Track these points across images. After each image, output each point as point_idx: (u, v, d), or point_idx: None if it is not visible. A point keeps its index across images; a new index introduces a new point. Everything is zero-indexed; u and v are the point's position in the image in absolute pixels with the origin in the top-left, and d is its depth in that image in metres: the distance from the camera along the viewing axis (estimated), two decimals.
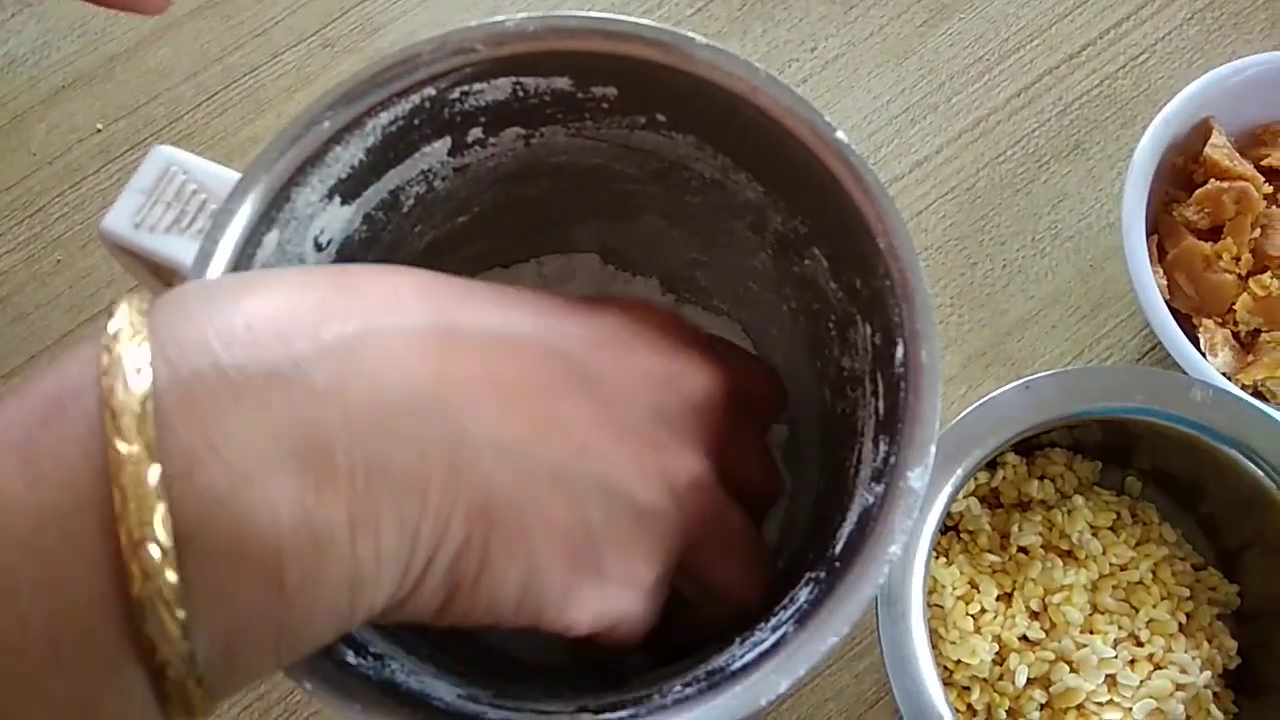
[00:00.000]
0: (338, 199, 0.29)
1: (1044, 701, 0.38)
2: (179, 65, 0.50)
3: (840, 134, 0.27)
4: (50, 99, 0.50)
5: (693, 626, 0.30)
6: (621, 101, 0.30)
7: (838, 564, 0.26)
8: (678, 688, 0.26)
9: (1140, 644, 0.38)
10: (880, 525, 0.25)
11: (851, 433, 0.30)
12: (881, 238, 0.26)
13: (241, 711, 0.42)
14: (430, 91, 0.28)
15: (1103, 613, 0.39)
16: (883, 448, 0.27)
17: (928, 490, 0.37)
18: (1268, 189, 0.44)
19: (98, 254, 0.47)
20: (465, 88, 0.28)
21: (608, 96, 0.30)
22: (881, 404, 0.27)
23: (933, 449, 0.25)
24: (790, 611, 0.26)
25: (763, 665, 0.24)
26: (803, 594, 0.27)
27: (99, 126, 0.49)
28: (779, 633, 0.25)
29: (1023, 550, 0.40)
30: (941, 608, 0.39)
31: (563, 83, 0.29)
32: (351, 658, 0.25)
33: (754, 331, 0.40)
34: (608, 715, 0.25)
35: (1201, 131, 0.45)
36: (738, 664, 0.25)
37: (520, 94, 0.29)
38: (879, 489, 0.26)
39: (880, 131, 0.49)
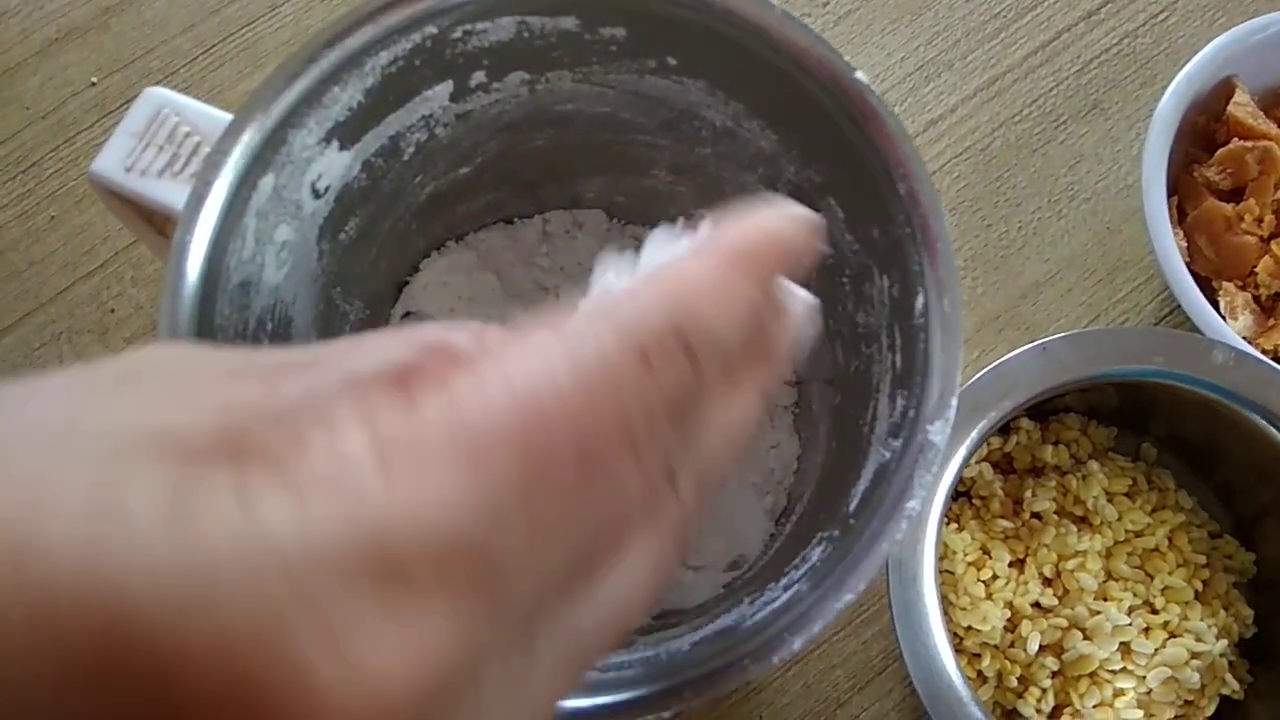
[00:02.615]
0: (336, 143, 0.28)
1: (1056, 669, 0.37)
2: (175, 17, 0.49)
3: (860, 74, 0.26)
4: (43, 51, 0.48)
5: None
6: (630, 43, 0.29)
7: (852, 521, 0.25)
8: (686, 648, 0.25)
9: (1155, 611, 0.38)
10: (898, 480, 0.24)
11: (865, 390, 0.29)
12: (902, 183, 0.25)
13: None
14: (431, 30, 0.27)
15: (1117, 580, 0.38)
16: (900, 403, 0.26)
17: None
18: None
19: (93, 210, 0.46)
20: (468, 26, 0.27)
21: (616, 38, 0.29)
22: (899, 358, 0.27)
23: (954, 402, 0.24)
24: (802, 570, 0.26)
25: (775, 624, 0.24)
26: (815, 553, 0.26)
27: (93, 80, 0.48)
28: (791, 591, 0.24)
29: (1036, 516, 0.39)
30: (953, 574, 0.38)
31: (569, 22, 0.28)
32: None
33: None
34: (613, 674, 0.24)
35: (1224, 90, 0.44)
36: (749, 623, 0.24)
37: (525, 34, 0.28)
38: (896, 444, 0.25)
39: (894, 90, 0.48)
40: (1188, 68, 0.43)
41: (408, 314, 0.37)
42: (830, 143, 0.27)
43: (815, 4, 0.49)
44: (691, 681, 0.23)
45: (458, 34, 0.28)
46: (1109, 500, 0.39)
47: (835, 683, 0.41)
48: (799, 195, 0.31)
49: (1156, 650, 0.37)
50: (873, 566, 0.23)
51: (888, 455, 0.25)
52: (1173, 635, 0.37)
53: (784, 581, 0.26)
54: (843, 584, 0.23)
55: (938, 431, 0.23)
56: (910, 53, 0.49)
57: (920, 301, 0.25)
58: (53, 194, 0.46)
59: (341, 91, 0.27)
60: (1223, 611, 0.38)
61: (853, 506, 0.26)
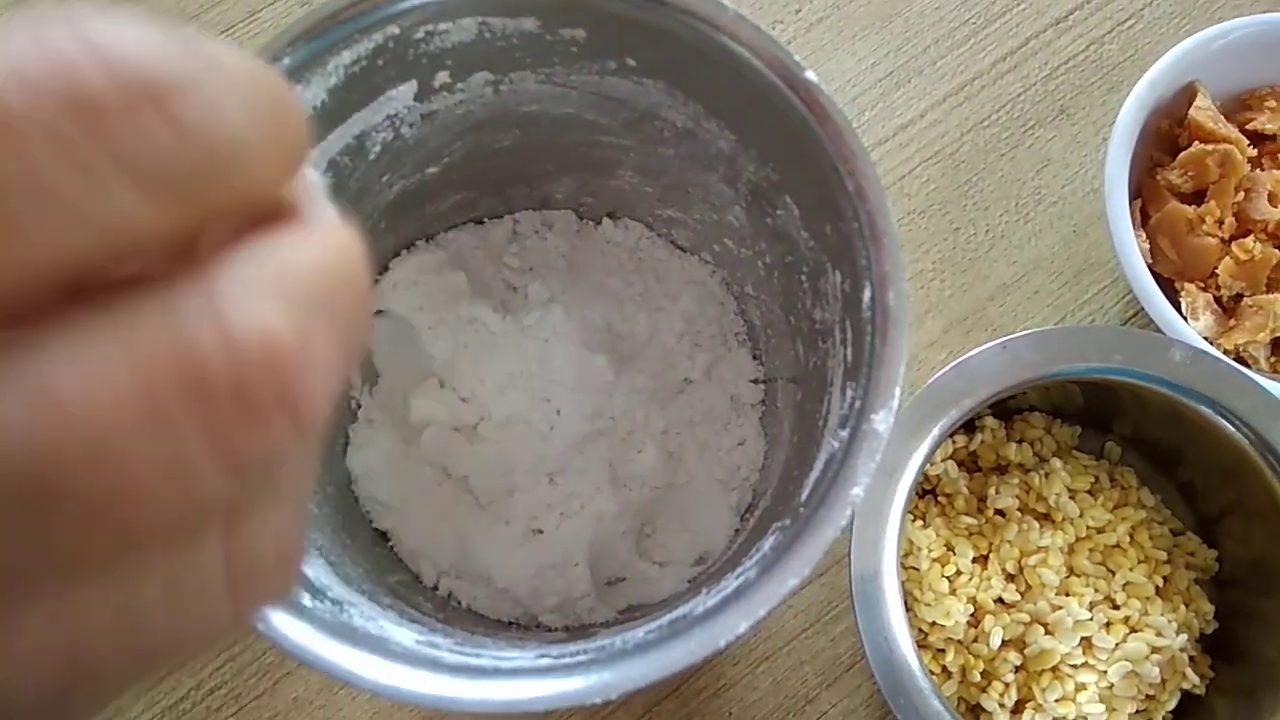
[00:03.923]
0: None
1: (1018, 664, 0.37)
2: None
3: (810, 74, 0.26)
4: None
5: None
6: (590, 44, 0.29)
7: (802, 509, 0.25)
8: (640, 635, 0.26)
9: (1116, 607, 0.38)
10: (844, 469, 0.24)
11: (822, 385, 0.30)
12: (850, 179, 0.26)
13: (214, 671, 0.41)
14: (393, 30, 0.28)
15: (1079, 575, 0.38)
16: (849, 394, 0.26)
17: (902, 451, 0.37)
18: (1252, 152, 0.43)
19: None
20: (429, 27, 0.28)
21: (576, 39, 0.29)
22: (850, 351, 0.27)
23: (898, 391, 0.24)
24: (754, 559, 0.26)
25: (724, 610, 0.24)
26: (767, 543, 0.27)
27: None
28: (741, 579, 0.25)
29: (999, 513, 0.40)
30: (917, 570, 0.39)
31: (530, 24, 0.29)
32: (308, 601, 0.25)
33: (732, 287, 0.40)
34: (566, 660, 0.25)
35: (1187, 95, 0.44)
36: (700, 610, 0.25)
37: (487, 35, 0.29)
38: (844, 434, 0.25)
39: (864, 95, 0.49)
40: (1150, 73, 0.44)
41: (378, 312, 0.37)
42: (784, 141, 0.28)
43: (787, 11, 0.50)
44: (640, 665, 0.23)
45: (420, 34, 0.28)
46: (1071, 497, 0.39)
47: (804, 679, 0.41)
48: (758, 194, 0.32)
49: (1117, 645, 0.37)
50: (817, 551, 0.23)
51: (836, 445, 0.25)
52: (1133, 630, 0.38)
53: (737, 570, 0.26)
54: (788, 569, 0.23)
55: (881, 420, 0.24)
56: (881, 59, 0.49)
57: (868, 294, 0.25)
58: None
59: (305, 90, 0.27)
60: (1183, 607, 0.39)
61: (804, 496, 0.26)
